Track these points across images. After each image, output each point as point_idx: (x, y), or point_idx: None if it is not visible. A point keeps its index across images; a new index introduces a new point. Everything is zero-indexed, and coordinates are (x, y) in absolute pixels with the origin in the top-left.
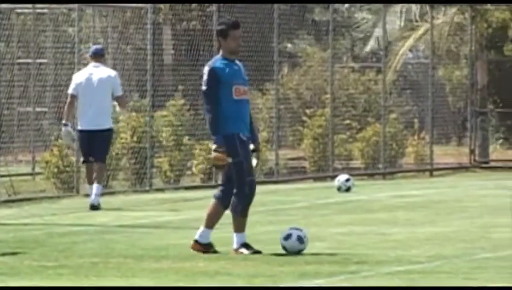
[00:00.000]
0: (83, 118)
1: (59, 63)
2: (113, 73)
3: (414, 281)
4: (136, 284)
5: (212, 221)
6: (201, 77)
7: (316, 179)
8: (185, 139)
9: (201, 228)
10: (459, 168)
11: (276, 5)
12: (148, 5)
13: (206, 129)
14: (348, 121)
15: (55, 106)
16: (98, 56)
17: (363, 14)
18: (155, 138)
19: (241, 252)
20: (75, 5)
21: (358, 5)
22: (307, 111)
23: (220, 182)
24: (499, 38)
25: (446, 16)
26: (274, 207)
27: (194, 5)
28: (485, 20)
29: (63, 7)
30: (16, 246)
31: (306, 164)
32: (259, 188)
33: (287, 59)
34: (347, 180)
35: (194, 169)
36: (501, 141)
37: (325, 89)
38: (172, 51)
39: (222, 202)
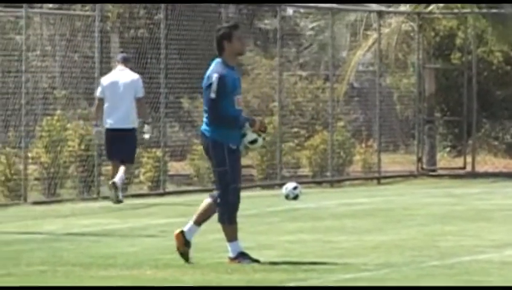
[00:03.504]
0: (109, 118)
1: (6, 70)
2: (136, 76)
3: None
4: None
5: (202, 219)
6: (150, 83)
7: (263, 187)
8: None
9: (190, 223)
10: (406, 176)
11: (224, 13)
12: (96, 13)
13: (153, 137)
14: (295, 129)
15: (2, 113)
16: (126, 61)
17: (309, 24)
18: (103, 145)
19: (239, 262)
20: (23, 13)
21: (304, 14)
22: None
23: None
24: (446, 47)
25: (396, 21)
26: None
27: (141, 13)
28: (433, 28)
29: (10, 15)
30: None
31: (254, 171)
32: (206, 197)
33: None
34: (295, 188)
35: (141, 177)
36: (448, 149)
37: (272, 97)
38: None
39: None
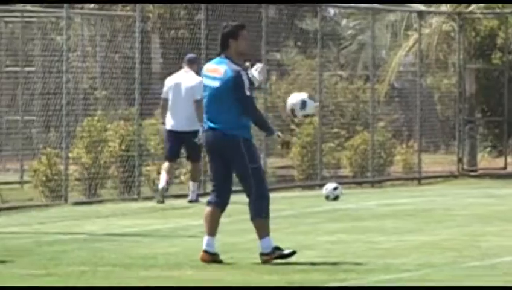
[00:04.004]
0: (172, 120)
1: (47, 71)
2: (197, 80)
3: None
4: None
5: (214, 228)
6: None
7: (304, 187)
8: None
9: (206, 237)
10: (447, 177)
11: (264, 14)
12: (137, 14)
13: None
14: (336, 130)
15: (43, 114)
16: (190, 63)
17: (350, 23)
18: (143, 146)
19: (275, 257)
20: (64, 14)
21: (345, 14)
22: (295, 119)
23: (211, 188)
24: (487, 47)
25: (436, 22)
26: None
27: (182, 14)
28: (473, 28)
29: (51, 16)
30: (4, 254)
31: (294, 172)
32: (245, 198)
33: (275, 67)
34: (335, 188)
35: (182, 177)
36: (489, 149)
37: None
38: (161, 60)
39: (219, 206)
